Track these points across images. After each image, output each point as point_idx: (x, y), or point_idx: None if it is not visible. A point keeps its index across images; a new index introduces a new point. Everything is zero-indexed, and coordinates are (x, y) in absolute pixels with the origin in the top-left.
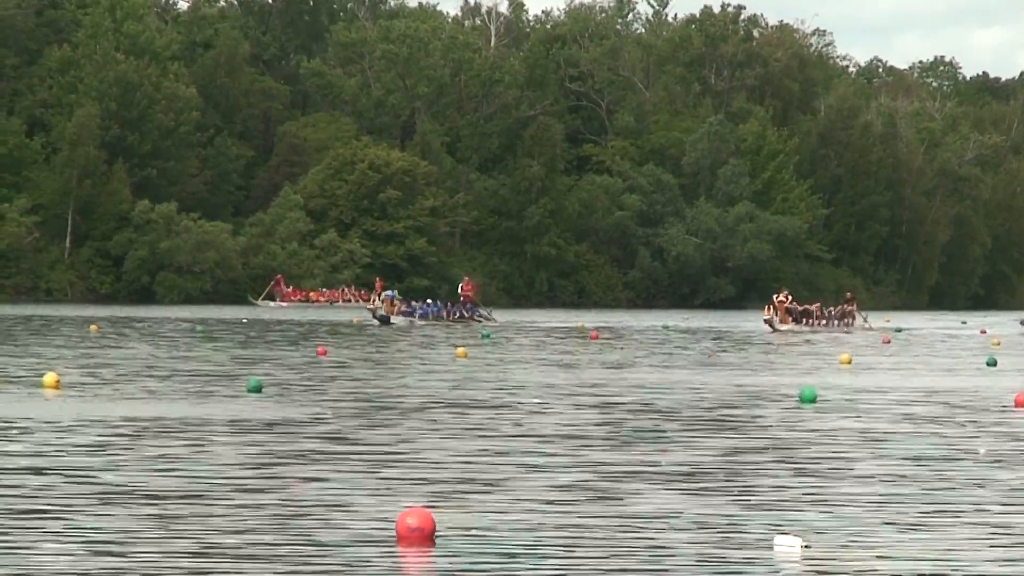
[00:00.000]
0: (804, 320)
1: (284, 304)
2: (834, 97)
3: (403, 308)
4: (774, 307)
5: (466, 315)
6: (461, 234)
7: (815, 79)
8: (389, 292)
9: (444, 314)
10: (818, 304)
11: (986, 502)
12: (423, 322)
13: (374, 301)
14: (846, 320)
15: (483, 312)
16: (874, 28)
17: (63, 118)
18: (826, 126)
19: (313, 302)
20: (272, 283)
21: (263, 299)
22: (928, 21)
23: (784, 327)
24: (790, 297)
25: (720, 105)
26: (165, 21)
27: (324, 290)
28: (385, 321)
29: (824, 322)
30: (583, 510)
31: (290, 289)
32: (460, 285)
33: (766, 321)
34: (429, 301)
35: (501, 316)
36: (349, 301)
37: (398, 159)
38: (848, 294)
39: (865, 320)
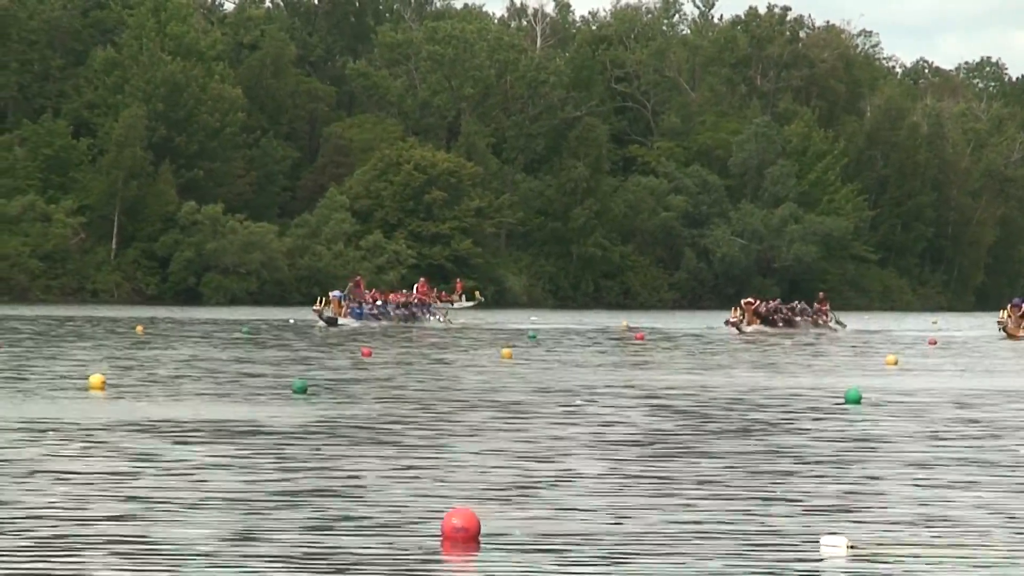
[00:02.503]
0: (772, 322)
1: (448, 305)
2: (880, 98)
3: (351, 309)
4: (741, 309)
5: (417, 315)
6: (507, 235)
7: (861, 80)
8: (336, 292)
9: (392, 314)
10: (787, 304)
11: None
12: (372, 323)
13: (457, 300)
14: (816, 320)
15: (437, 313)
16: (917, 28)
17: (109, 119)
18: (872, 127)
19: (392, 303)
20: (351, 284)
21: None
22: (969, 22)
23: (750, 328)
24: (758, 300)
25: (766, 106)
26: (211, 22)
27: (404, 291)
28: (332, 323)
29: (797, 321)
30: (628, 511)
31: (371, 291)
32: (415, 285)
33: (732, 323)
34: (380, 302)
35: (547, 317)
36: (431, 301)
37: (444, 160)
38: (820, 294)
39: (838, 322)
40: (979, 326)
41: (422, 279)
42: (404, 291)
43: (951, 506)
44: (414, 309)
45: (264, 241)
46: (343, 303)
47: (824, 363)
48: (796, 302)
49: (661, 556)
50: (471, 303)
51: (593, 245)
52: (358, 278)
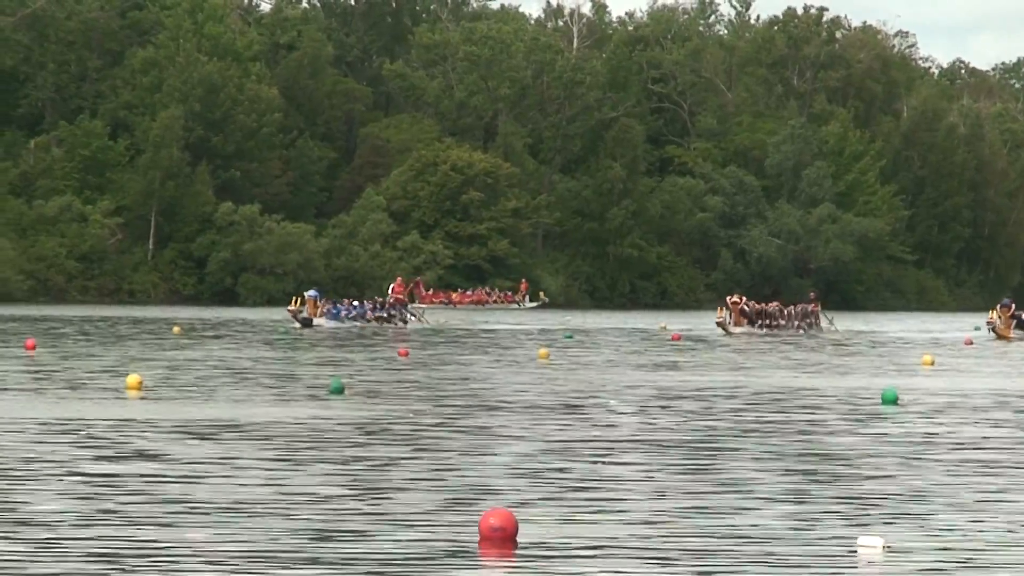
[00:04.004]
0: (761, 322)
1: (423, 306)
2: (917, 99)
3: (326, 309)
4: (728, 308)
5: (393, 315)
6: (543, 235)
7: (898, 80)
8: (312, 292)
9: (368, 315)
10: (776, 304)
11: None
12: (348, 324)
13: (521, 300)
14: (808, 322)
15: (413, 313)
16: (953, 29)
17: (146, 120)
18: (909, 128)
19: (455, 304)
20: (411, 285)
21: None
22: (1005, 22)
23: (738, 329)
24: (744, 298)
25: (803, 107)
26: (248, 23)
27: (467, 292)
28: (307, 324)
29: (784, 323)
30: (665, 513)
31: (430, 291)
32: (391, 285)
33: (718, 323)
34: (356, 303)
35: (583, 317)
36: (490, 302)
37: (480, 161)
38: (812, 294)
39: (831, 322)
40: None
41: (399, 278)
42: (467, 292)
43: (988, 507)
44: (391, 310)
45: (301, 242)
46: (318, 304)
47: (859, 363)
48: (793, 307)
49: (698, 557)
50: (535, 303)
51: (630, 246)
52: (418, 279)
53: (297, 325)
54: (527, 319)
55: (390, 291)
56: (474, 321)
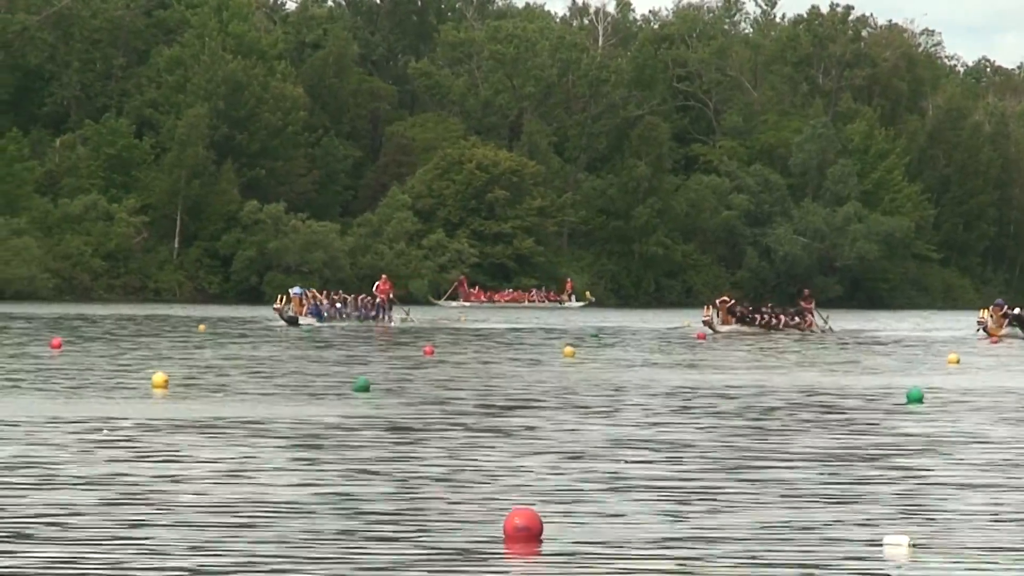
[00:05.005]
0: (750, 321)
1: (467, 304)
2: (942, 97)
3: (310, 308)
4: (715, 307)
5: (379, 315)
6: (569, 234)
7: (923, 79)
8: (296, 289)
9: (354, 314)
10: (768, 303)
11: None
12: (332, 323)
13: (567, 299)
14: (799, 321)
15: (401, 313)
16: (979, 27)
17: (172, 118)
18: (935, 126)
19: (497, 302)
20: (456, 283)
21: (445, 299)
22: None
23: (725, 328)
24: (732, 297)
25: (828, 105)
26: (274, 21)
27: (509, 290)
28: (293, 322)
29: (774, 322)
30: (689, 512)
31: (474, 289)
32: (376, 284)
33: (705, 322)
34: (340, 303)
35: (610, 315)
36: (534, 301)
37: (506, 159)
38: (805, 292)
39: (825, 321)
40: None
41: (384, 276)
42: (510, 290)
43: (1018, 507)
44: (375, 308)
45: (326, 240)
46: (304, 302)
47: (884, 362)
48: (787, 307)
49: (723, 557)
50: (581, 303)
51: (655, 244)
52: (462, 277)
53: (283, 324)
54: (568, 318)
55: (375, 289)
56: (515, 319)
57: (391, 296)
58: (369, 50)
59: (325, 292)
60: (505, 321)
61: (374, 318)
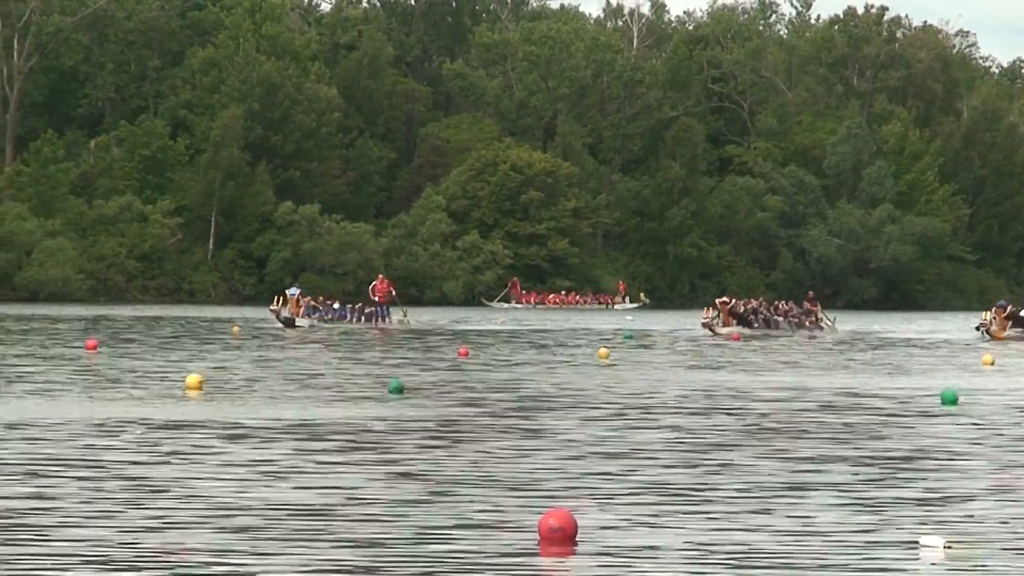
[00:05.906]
0: (750, 322)
1: (519, 306)
2: (977, 98)
3: (308, 308)
4: (716, 308)
5: (376, 318)
6: (603, 235)
7: (958, 80)
8: (293, 290)
9: (351, 316)
10: (772, 303)
11: None
12: (329, 324)
13: (620, 301)
14: (803, 321)
15: (399, 315)
16: (1013, 28)
17: (206, 119)
18: (969, 127)
19: (549, 305)
20: (509, 286)
21: (498, 301)
22: None
23: (726, 330)
24: (732, 299)
25: (863, 106)
26: (308, 22)
27: (561, 293)
28: (290, 324)
29: (779, 323)
30: (722, 515)
31: (525, 292)
32: (373, 284)
33: (705, 324)
34: (337, 304)
35: (641, 317)
36: (587, 303)
37: (540, 160)
38: (810, 293)
39: (832, 323)
40: None
41: (380, 276)
42: (561, 293)
43: None
44: (373, 310)
45: (360, 241)
46: (300, 302)
47: (918, 364)
48: (781, 301)
49: (756, 558)
50: (635, 305)
51: (690, 245)
52: (515, 279)
53: (280, 326)
54: (616, 320)
55: (371, 289)
56: (565, 321)
57: (392, 294)
58: (404, 51)
59: (322, 298)
60: (550, 322)
61: (372, 319)
